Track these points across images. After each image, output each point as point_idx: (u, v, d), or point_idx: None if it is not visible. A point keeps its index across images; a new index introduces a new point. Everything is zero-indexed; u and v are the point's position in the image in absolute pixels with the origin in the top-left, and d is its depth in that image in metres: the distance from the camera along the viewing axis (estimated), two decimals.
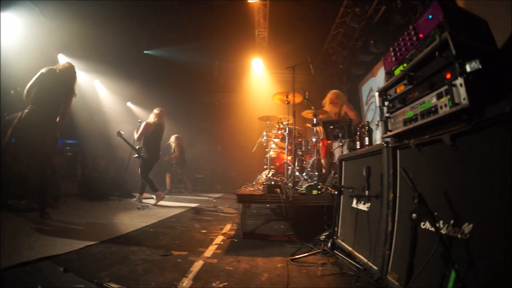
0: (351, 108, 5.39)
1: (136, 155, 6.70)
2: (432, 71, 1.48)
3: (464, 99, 1.20)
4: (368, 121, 3.23)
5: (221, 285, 2.06)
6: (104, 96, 12.24)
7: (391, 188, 1.92)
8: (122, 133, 6.49)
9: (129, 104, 13.36)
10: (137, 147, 6.73)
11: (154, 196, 6.56)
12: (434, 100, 1.40)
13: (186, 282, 2.08)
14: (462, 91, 1.21)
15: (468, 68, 1.20)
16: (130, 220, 4.24)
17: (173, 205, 6.27)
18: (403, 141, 1.78)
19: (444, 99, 1.32)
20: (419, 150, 1.65)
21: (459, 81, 1.23)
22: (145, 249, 2.81)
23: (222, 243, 3.28)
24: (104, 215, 4.68)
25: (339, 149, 4.59)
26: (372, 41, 7.96)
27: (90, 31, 9.04)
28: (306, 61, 5.20)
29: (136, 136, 6.66)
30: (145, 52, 11.41)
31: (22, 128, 3.88)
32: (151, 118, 6.81)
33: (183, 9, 9.22)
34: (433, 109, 1.40)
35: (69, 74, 4.34)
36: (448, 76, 1.33)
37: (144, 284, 1.98)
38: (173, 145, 10.01)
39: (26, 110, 3.93)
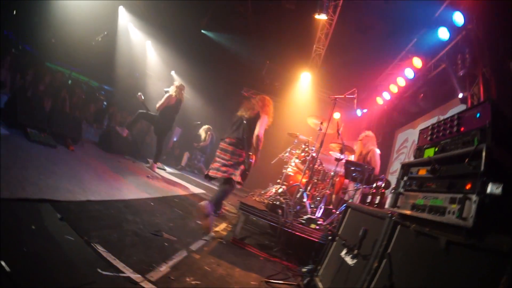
0: (376, 156, 5.28)
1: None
2: (457, 173, 1.44)
3: (471, 217, 1.17)
4: (388, 180, 3.22)
5: (193, 282, 2.16)
6: (151, 58, 12.57)
7: (378, 258, 1.90)
8: (143, 98, 6.93)
9: (173, 73, 13.57)
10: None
11: (162, 167, 6.86)
12: (446, 202, 1.38)
13: (164, 267, 2.17)
14: (473, 209, 1.18)
15: (488, 189, 1.16)
16: (136, 187, 4.34)
17: (180, 183, 6.41)
18: (406, 221, 1.78)
19: (455, 207, 1.30)
20: (416, 236, 1.64)
21: (475, 198, 1.20)
22: (140, 222, 2.89)
23: (211, 240, 3.37)
24: (114, 172, 4.80)
25: (352, 191, 4.57)
26: (422, 94, 7.73)
27: None
28: (352, 95, 5.19)
29: (157, 105, 6.75)
30: (202, 31, 11.64)
31: None
32: (173, 91, 6.87)
33: (252, 1, 9.35)
34: (441, 210, 1.38)
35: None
36: (468, 186, 1.30)
37: (126, 256, 2.05)
38: (203, 134, 10.42)
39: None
